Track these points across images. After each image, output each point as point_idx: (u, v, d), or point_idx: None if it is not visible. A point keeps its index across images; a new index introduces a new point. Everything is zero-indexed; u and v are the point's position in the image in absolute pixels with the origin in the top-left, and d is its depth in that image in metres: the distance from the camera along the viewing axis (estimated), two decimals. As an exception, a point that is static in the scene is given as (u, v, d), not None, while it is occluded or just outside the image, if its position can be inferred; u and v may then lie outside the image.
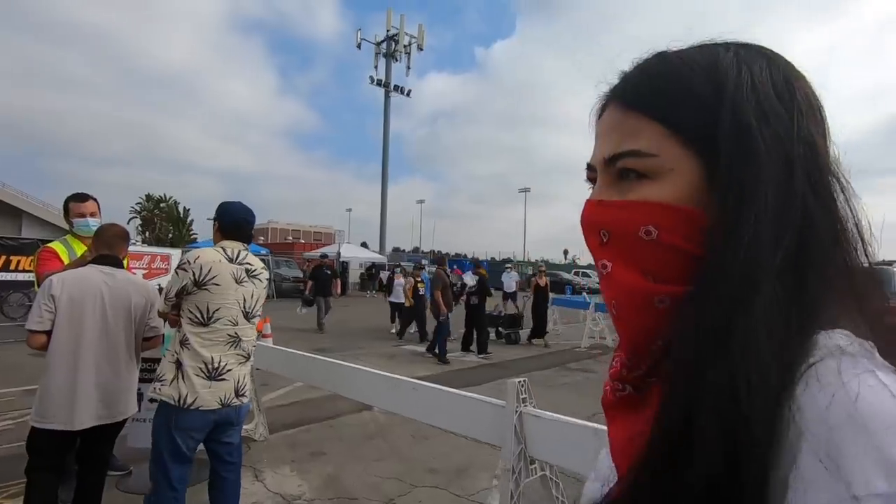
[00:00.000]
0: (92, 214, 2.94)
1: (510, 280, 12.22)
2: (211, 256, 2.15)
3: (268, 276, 2.42)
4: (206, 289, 2.11)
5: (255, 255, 2.35)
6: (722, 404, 0.31)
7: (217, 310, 2.13)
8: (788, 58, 0.41)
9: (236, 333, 2.19)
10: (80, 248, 2.87)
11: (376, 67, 30.74)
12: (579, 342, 9.54)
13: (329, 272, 11.45)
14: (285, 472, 3.44)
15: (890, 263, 7.12)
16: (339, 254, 20.81)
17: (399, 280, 11.02)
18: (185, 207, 44.21)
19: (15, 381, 5.28)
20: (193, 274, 2.10)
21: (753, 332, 0.33)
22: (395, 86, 31.20)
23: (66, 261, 2.76)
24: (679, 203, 0.38)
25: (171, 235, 36.80)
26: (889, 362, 0.32)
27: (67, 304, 2.22)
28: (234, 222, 2.28)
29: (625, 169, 0.41)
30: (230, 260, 2.19)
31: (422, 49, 31.62)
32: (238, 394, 2.20)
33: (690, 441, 0.32)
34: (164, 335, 2.65)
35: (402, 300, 10.21)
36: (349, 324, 12.17)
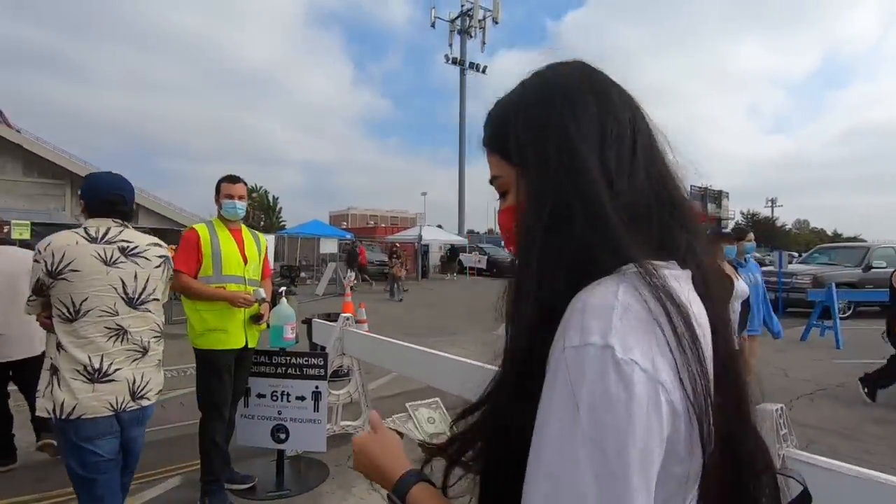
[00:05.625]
0: (241, 198, 2.89)
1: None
2: (64, 240, 1.85)
3: (162, 254, 2.06)
4: (63, 278, 1.80)
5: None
6: (521, 298, 0.55)
7: (84, 300, 1.81)
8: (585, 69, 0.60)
9: (118, 325, 1.86)
10: (222, 230, 2.84)
11: (451, 46, 30.08)
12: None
13: None
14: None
15: None
16: (420, 236, 20.70)
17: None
18: (273, 196, 46.91)
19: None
20: (45, 263, 1.80)
21: (529, 264, 0.54)
22: (470, 63, 30.42)
23: (205, 239, 2.74)
24: (519, 202, 0.59)
25: (262, 223, 39.09)
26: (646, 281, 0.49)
27: None
28: (102, 201, 1.95)
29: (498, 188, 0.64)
30: (92, 240, 1.87)
31: (497, 22, 30.43)
32: (135, 396, 1.89)
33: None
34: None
35: None
36: (440, 307, 11.85)
